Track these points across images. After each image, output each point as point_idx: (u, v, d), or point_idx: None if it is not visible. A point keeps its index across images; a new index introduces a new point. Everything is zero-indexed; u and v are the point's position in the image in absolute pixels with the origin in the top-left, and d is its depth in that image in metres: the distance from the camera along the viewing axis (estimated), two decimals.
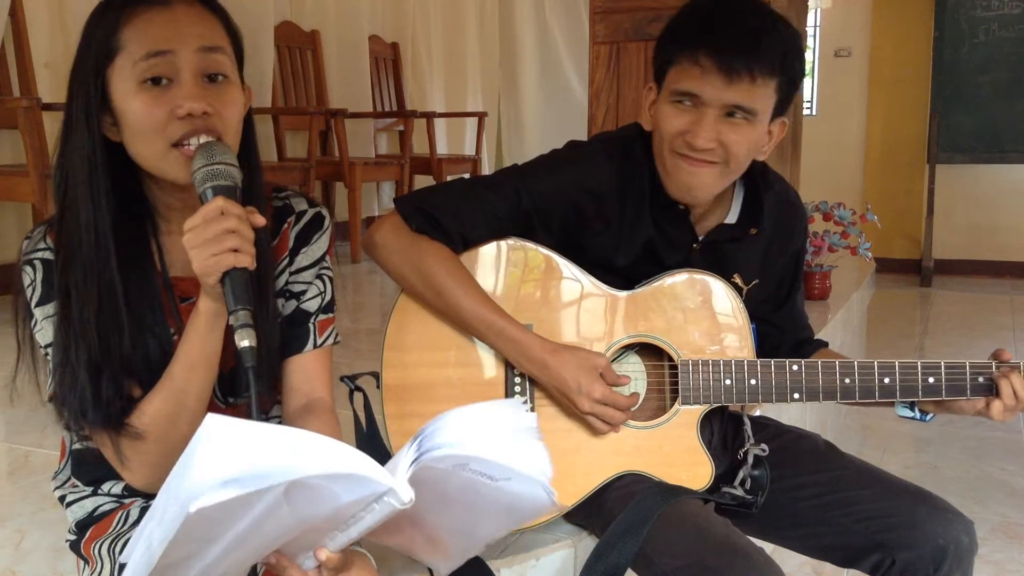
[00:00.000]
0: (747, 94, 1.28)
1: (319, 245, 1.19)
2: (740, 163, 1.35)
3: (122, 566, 1.05)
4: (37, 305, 1.04)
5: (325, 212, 1.20)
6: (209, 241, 0.94)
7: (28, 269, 1.05)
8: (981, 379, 1.33)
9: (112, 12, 1.02)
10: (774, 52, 1.28)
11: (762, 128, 1.34)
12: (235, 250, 0.94)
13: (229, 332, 1.00)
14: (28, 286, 1.05)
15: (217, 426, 0.72)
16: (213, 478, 0.70)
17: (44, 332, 1.04)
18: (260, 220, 0.98)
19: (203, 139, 1.00)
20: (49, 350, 1.05)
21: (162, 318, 1.09)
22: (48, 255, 1.05)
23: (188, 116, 0.99)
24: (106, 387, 1.02)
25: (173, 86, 1.00)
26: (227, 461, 0.71)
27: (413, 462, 0.80)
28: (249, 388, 0.92)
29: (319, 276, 1.19)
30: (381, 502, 0.80)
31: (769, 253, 1.49)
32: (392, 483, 0.79)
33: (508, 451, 0.85)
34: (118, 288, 1.03)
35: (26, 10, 3.51)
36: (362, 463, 0.77)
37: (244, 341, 0.92)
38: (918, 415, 1.40)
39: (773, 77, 1.30)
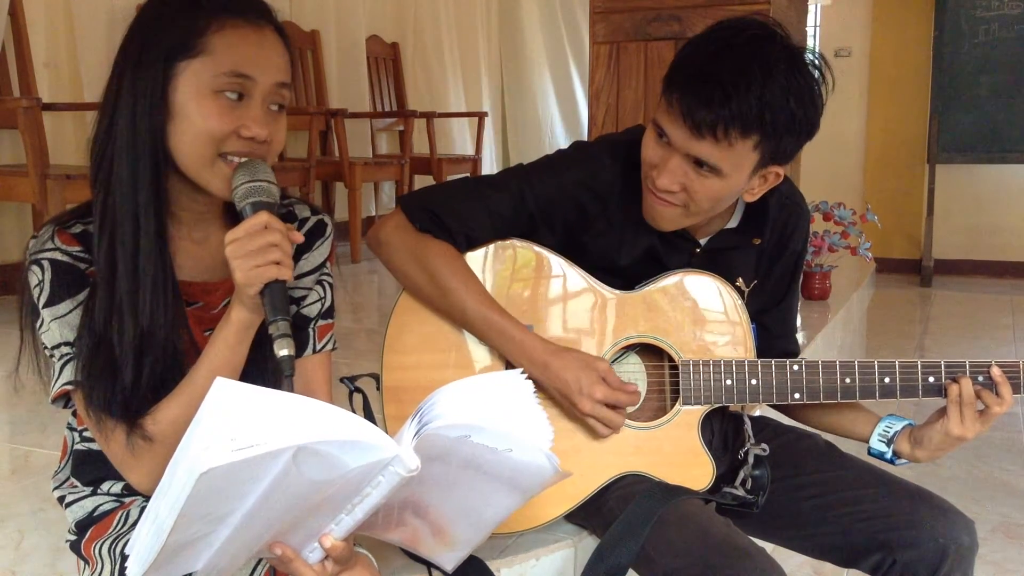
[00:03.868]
0: (713, 151, 1.23)
1: (320, 251, 1.20)
2: (704, 209, 1.32)
3: (125, 556, 1.06)
4: (45, 306, 1.04)
5: (328, 220, 1.22)
6: (253, 253, 0.98)
7: (36, 269, 1.04)
8: (981, 378, 1.33)
9: (199, 10, 1.03)
10: (748, 110, 1.20)
11: (735, 181, 1.28)
12: (277, 263, 0.98)
13: None
14: (35, 286, 1.04)
15: (227, 390, 0.73)
16: (223, 439, 0.71)
17: (51, 333, 1.04)
18: (299, 237, 1.04)
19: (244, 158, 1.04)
20: (56, 351, 1.04)
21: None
22: (58, 255, 1.04)
23: (251, 139, 1.04)
24: (148, 370, 1.03)
25: (242, 105, 1.04)
26: (237, 423, 0.72)
27: (416, 433, 0.81)
28: None
29: (319, 282, 1.21)
30: (387, 472, 0.81)
31: (768, 254, 1.49)
32: (397, 450, 0.79)
33: (508, 420, 0.86)
34: (170, 271, 1.06)
35: (26, 10, 3.51)
36: (368, 430, 0.78)
37: (283, 350, 0.96)
38: (889, 454, 1.41)
39: (748, 136, 1.22)
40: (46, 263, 1.04)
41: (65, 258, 1.04)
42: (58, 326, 1.04)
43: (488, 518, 1.01)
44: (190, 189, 1.08)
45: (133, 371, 1.02)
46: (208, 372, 1.04)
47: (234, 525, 0.80)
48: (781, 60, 1.22)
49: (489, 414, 0.85)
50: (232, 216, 1.14)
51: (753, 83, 1.20)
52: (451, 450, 0.85)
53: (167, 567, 0.82)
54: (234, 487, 0.75)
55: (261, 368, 1.09)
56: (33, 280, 1.04)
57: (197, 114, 1.02)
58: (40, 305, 1.04)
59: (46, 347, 1.06)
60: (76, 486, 1.17)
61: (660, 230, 1.38)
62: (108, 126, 1.05)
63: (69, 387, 1.04)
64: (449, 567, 1.09)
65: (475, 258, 1.42)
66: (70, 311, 1.04)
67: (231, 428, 0.71)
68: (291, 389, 0.95)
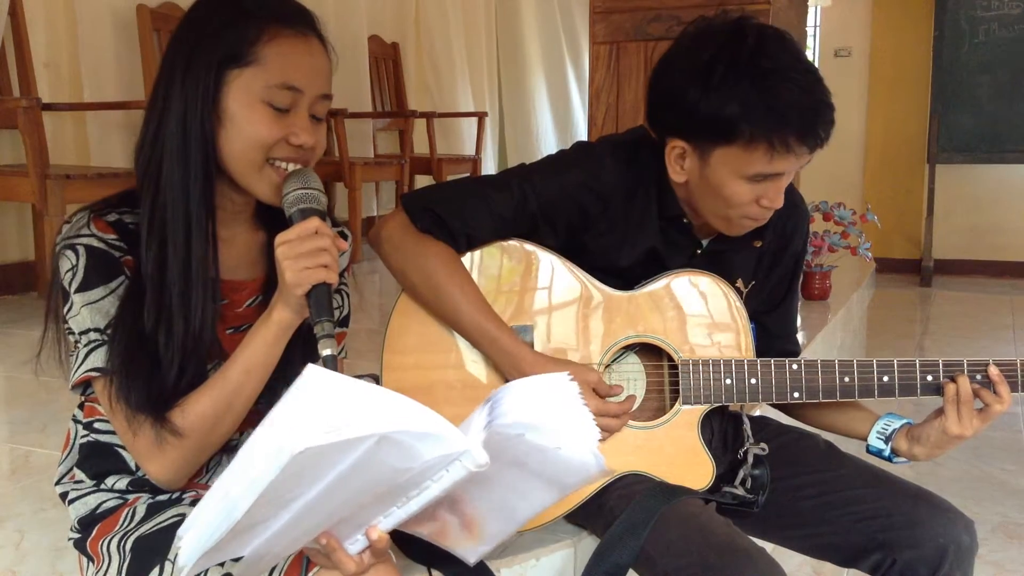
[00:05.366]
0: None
1: (340, 262, 1.21)
2: None
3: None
4: (78, 291, 1.05)
5: (348, 232, 1.25)
6: (304, 255, 1.01)
7: (69, 253, 1.05)
8: (979, 377, 1.33)
9: (250, 19, 1.05)
10: None
11: None
12: (326, 266, 1.01)
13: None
14: (68, 270, 1.05)
15: (318, 376, 0.75)
16: (316, 422, 0.72)
17: (80, 318, 1.05)
18: (344, 245, 1.07)
19: (294, 167, 1.08)
20: (83, 337, 1.05)
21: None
22: (94, 242, 1.05)
23: (299, 146, 1.07)
24: (192, 370, 1.05)
25: (290, 114, 1.07)
26: (328, 408, 0.74)
27: (485, 426, 0.82)
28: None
29: (338, 291, 1.23)
30: (453, 467, 0.82)
31: (769, 255, 1.49)
32: (468, 444, 0.80)
33: (559, 418, 0.87)
34: (216, 276, 1.08)
35: (26, 10, 3.51)
36: (443, 424, 0.79)
37: (327, 350, 0.99)
38: (887, 451, 1.40)
39: None
40: (81, 248, 1.05)
41: (101, 245, 1.05)
42: (89, 311, 1.04)
43: (521, 514, 1.02)
44: (230, 189, 1.11)
45: (178, 371, 1.04)
46: (243, 368, 1.06)
47: (294, 512, 0.81)
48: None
49: (545, 413, 0.86)
50: (261, 218, 1.18)
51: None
52: (504, 447, 0.86)
53: (220, 551, 0.83)
54: (314, 471, 0.76)
55: (281, 374, 1.11)
56: (65, 265, 1.05)
57: (247, 122, 1.05)
58: (72, 290, 1.05)
59: (72, 332, 1.06)
60: (79, 480, 1.16)
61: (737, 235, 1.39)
62: (156, 130, 1.07)
63: (94, 374, 1.04)
64: (472, 559, 1.09)
65: (476, 259, 1.42)
66: (102, 298, 1.05)
67: (323, 412, 0.73)
68: None
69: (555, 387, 0.90)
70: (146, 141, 1.08)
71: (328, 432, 0.72)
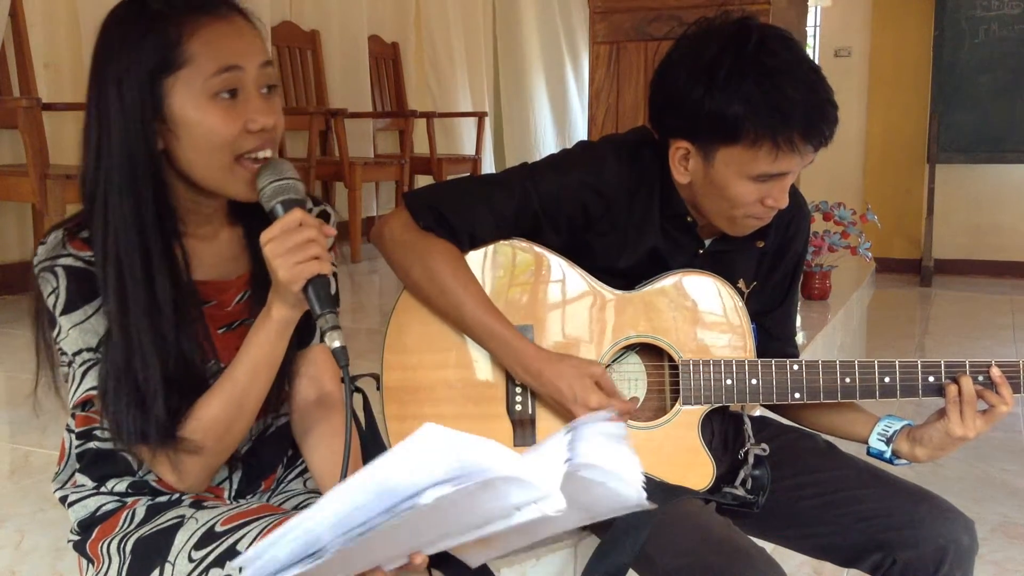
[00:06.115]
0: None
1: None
2: None
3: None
4: (63, 313, 1.03)
5: (330, 210, 1.22)
6: (292, 250, 0.98)
7: (48, 276, 1.03)
8: (980, 378, 1.33)
9: (165, 21, 1.00)
10: None
11: None
12: (317, 258, 0.99)
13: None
14: (50, 293, 1.03)
15: (436, 432, 0.75)
16: (443, 473, 0.73)
17: (70, 340, 1.03)
18: (331, 231, 1.03)
19: (263, 154, 1.03)
20: (76, 358, 1.04)
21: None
22: (71, 261, 1.03)
23: (260, 130, 1.02)
24: (177, 396, 1.03)
25: (240, 100, 1.02)
26: (449, 458, 0.74)
27: (565, 470, 0.81)
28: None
29: None
30: (527, 508, 0.81)
31: (771, 256, 1.49)
32: (551, 491, 0.79)
33: (617, 457, 0.87)
34: (191, 302, 1.06)
35: (26, 10, 3.51)
36: (533, 469, 0.78)
37: (336, 342, 0.97)
38: (888, 453, 1.40)
39: None
40: (60, 270, 1.03)
41: (79, 263, 1.03)
42: (78, 332, 1.03)
43: (543, 532, 1.00)
44: (195, 194, 1.07)
45: (165, 402, 1.02)
46: (248, 368, 1.05)
47: (368, 545, 0.80)
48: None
49: (609, 454, 0.86)
50: (236, 213, 1.15)
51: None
52: (565, 485, 0.85)
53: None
54: (421, 516, 0.75)
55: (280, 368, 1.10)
56: (47, 288, 1.03)
57: (201, 123, 1.00)
58: (57, 313, 1.03)
59: (65, 354, 1.05)
60: (82, 485, 1.16)
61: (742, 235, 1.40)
62: (97, 163, 1.03)
63: (93, 392, 1.03)
64: (475, 564, 1.08)
65: (476, 258, 1.42)
66: (88, 317, 1.03)
67: (444, 463, 0.73)
68: (348, 377, 0.98)
69: (613, 430, 0.89)
70: (87, 177, 1.04)
71: (454, 482, 0.72)
